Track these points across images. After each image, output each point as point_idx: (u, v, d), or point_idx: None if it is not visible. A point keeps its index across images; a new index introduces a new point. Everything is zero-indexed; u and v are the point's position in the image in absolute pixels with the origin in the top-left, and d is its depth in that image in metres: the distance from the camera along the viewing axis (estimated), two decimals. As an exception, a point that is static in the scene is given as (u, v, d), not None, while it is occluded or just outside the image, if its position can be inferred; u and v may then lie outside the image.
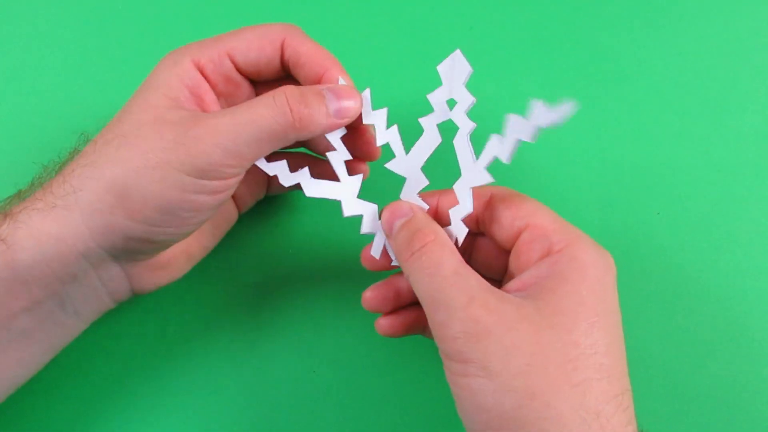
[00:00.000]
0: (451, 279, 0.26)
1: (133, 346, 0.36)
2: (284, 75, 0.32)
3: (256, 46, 0.30)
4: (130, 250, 0.28)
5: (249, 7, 0.41)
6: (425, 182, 0.30)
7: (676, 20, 0.41)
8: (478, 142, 0.29)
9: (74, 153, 0.29)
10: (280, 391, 0.36)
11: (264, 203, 0.37)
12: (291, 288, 0.37)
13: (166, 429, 0.35)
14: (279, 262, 0.37)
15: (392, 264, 0.31)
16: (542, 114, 0.25)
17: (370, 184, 0.32)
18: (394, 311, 0.31)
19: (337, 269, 0.37)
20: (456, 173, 0.29)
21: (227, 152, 0.27)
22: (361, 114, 0.30)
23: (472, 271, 0.27)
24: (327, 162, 0.31)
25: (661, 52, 0.40)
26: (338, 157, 0.31)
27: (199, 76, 0.30)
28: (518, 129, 0.27)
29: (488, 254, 0.31)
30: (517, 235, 0.29)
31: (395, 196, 0.31)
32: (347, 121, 0.30)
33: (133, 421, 0.35)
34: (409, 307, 0.32)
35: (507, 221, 0.29)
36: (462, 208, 0.29)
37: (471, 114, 0.29)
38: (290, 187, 0.31)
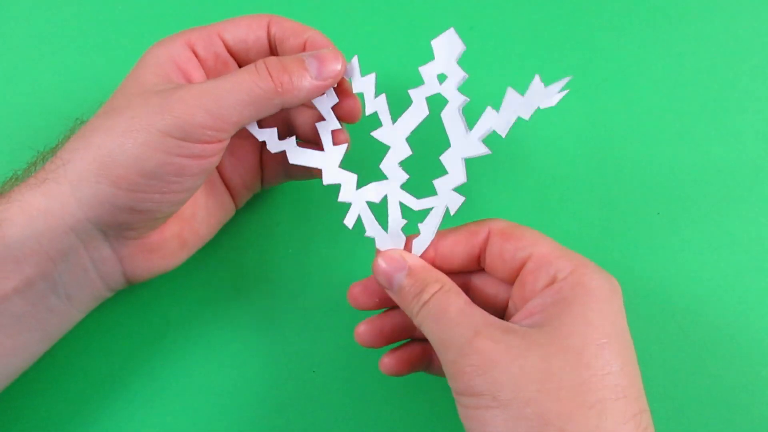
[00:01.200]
0: (457, 318, 0.26)
1: (132, 345, 0.36)
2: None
3: (245, 24, 0.32)
4: (118, 223, 0.29)
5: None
6: (408, 152, 0.30)
7: (676, 20, 0.41)
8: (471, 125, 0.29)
9: (69, 135, 0.30)
10: (280, 391, 0.36)
11: (264, 203, 0.37)
12: (291, 288, 0.37)
13: (166, 429, 0.35)
14: (279, 261, 0.37)
15: (379, 303, 0.31)
16: (540, 92, 0.27)
17: (353, 153, 0.33)
18: (396, 349, 0.32)
19: (337, 269, 0.37)
20: (440, 149, 0.29)
21: (210, 113, 0.27)
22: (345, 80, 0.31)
23: (478, 308, 0.27)
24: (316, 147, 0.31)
25: (661, 52, 0.40)
26: (326, 126, 0.31)
27: (190, 53, 0.31)
28: (516, 105, 0.27)
29: (488, 291, 0.31)
30: (520, 267, 0.28)
31: (375, 166, 0.30)
32: (331, 82, 0.30)
33: (132, 421, 0.35)
34: (411, 344, 0.32)
35: (509, 254, 0.29)
36: (453, 178, 0.29)
37: (468, 107, 0.29)
38: (284, 177, 0.32)
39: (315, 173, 0.32)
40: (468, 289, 0.32)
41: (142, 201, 0.28)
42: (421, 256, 0.30)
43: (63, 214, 0.27)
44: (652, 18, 0.41)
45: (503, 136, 0.28)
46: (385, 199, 0.31)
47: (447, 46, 0.28)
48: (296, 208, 0.38)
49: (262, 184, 0.36)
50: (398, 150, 0.30)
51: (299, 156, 0.31)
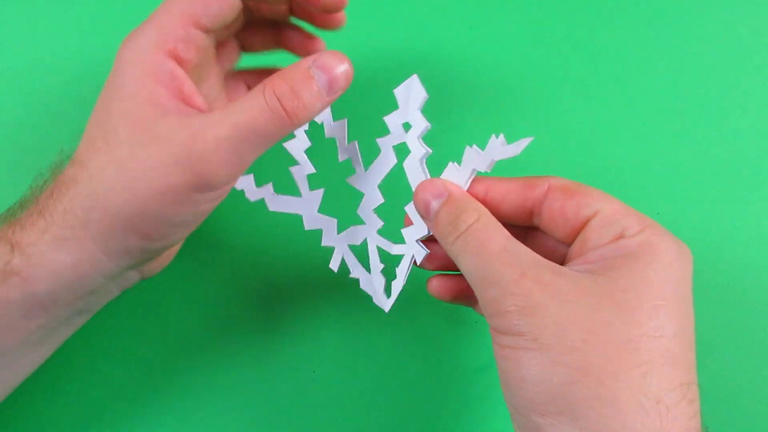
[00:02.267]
0: (501, 255, 0.25)
1: (132, 346, 0.36)
2: (249, 20, 0.31)
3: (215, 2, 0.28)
4: (148, 258, 0.29)
5: None
6: (380, 200, 0.30)
7: (676, 20, 0.41)
8: (473, 141, 0.29)
9: (57, 170, 0.28)
10: (280, 391, 0.36)
11: (264, 203, 0.37)
12: (291, 288, 0.37)
13: (165, 429, 0.35)
14: (279, 261, 0.37)
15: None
16: (497, 149, 0.27)
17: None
18: (448, 275, 0.31)
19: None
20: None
21: (232, 165, 0.27)
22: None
23: (523, 246, 0.26)
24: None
25: (661, 52, 0.40)
26: (301, 171, 0.31)
27: (172, 65, 0.28)
28: (475, 160, 0.27)
29: (543, 251, 0.29)
30: (583, 225, 0.26)
31: (353, 210, 0.31)
32: (340, 93, 0.28)
33: (132, 421, 0.35)
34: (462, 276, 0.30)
35: (572, 211, 0.27)
36: (417, 229, 0.29)
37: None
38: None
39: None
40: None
41: (171, 241, 0.29)
42: (470, 193, 0.28)
43: (93, 266, 0.27)
44: (652, 18, 0.41)
45: (465, 188, 0.28)
46: (365, 241, 0.32)
47: (409, 95, 0.28)
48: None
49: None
50: (371, 198, 0.30)
51: (278, 204, 0.32)
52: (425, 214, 0.28)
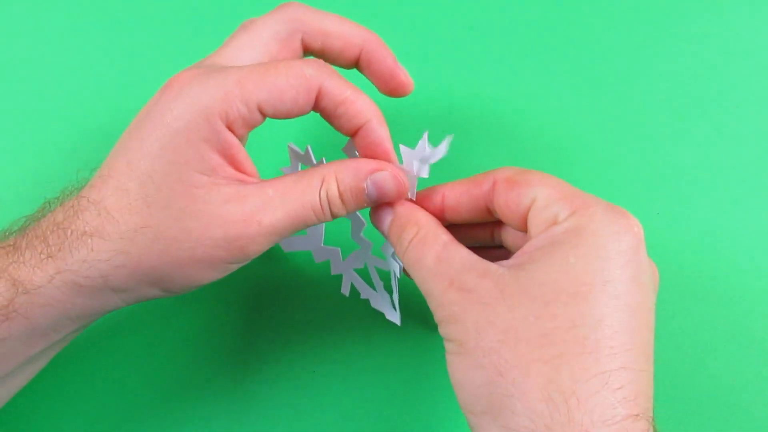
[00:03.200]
0: (432, 268, 0.26)
1: (133, 347, 0.36)
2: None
3: (290, 98, 0.27)
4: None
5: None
6: (363, 223, 0.32)
7: (676, 20, 0.41)
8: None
9: (70, 209, 0.26)
10: (280, 390, 0.36)
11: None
12: (291, 287, 0.37)
13: (166, 429, 0.35)
14: (279, 261, 0.37)
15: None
16: (424, 149, 0.28)
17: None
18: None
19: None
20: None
21: (269, 243, 0.27)
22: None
23: (459, 249, 0.26)
24: None
25: (661, 52, 0.40)
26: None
27: (232, 138, 0.26)
28: (407, 159, 0.29)
29: (510, 242, 0.30)
30: (527, 213, 0.27)
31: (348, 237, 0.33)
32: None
33: (132, 420, 0.35)
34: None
35: (514, 202, 0.27)
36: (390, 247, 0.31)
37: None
38: None
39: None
40: (498, 241, 0.31)
41: (190, 291, 0.28)
42: (429, 207, 0.30)
43: (105, 305, 0.27)
44: (653, 18, 0.41)
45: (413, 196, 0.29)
46: (366, 264, 0.34)
47: (416, 156, 0.29)
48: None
49: None
50: (356, 223, 0.32)
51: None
52: (382, 233, 0.30)
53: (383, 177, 0.28)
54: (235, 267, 0.28)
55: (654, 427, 0.22)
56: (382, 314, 0.34)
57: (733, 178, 0.38)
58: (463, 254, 0.26)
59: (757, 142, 0.39)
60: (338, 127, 0.28)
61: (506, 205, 0.27)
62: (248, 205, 0.26)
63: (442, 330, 0.26)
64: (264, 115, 0.27)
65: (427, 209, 0.29)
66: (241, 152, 0.27)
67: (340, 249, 0.34)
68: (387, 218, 0.29)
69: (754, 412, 0.35)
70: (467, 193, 0.29)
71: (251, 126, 0.27)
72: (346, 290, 0.35)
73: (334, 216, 0.28)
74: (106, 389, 0.36)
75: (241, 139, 0.27)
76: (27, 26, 0.41)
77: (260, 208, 0.26)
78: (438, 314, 0.26)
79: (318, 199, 0.27)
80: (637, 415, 0.22)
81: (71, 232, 0.26)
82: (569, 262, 0.23)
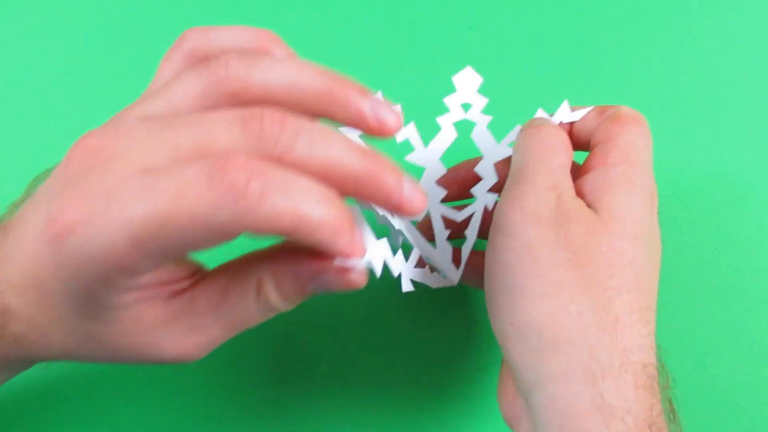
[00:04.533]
0: (553, 161, 0.27)
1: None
2: None
3: None
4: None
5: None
6: (443, 170, 0.32)
7: (676, 20, 0.41)
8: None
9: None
10: (280, 390, 0.36)
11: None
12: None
13: (166, 429, 0.35)
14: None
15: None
16: (566, 112, 0.30)
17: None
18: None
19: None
20: None
21: (218, 344, 0.24)
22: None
23: (570, 165, 0.28)
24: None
25: (662, 52, 0.41)
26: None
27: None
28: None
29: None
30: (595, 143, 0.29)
31: None
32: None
33: (132, 419, 0.35)
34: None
35: (602, 131, 0.29)
36: (487, 181, 0.31)
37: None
38: None
39: None
40: None
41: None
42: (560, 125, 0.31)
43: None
44: (653, 18, 0.41)
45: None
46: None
47: (466, 81, 0.31)
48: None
49: None
50: (433, 170, 0.32)
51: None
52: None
53: (328, 280, 0.23)
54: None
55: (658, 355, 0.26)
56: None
57: (732, 177, 0.38)
58: (569, 169, 0.28)
59: (757, 142, 0.39)
60: None
61: (598, 130, 0.29)
62: (180, 328, 0.23)
63: (515, 224, 0.26)
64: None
65: None
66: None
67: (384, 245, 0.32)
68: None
69: (754, 412, 0.35)
70: (591, 118, 0.30)
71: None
72: (407, 285, 0.30)
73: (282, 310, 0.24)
74: (104, 390, 0.36)
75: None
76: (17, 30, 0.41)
77: (194, 326, 0.23)
78: (526, 204, 0.26)
79: (255, 308, 0.23)
80: (657, 346, 0.25)
81: None
82: (632, 207, 0.26)
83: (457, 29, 0.41)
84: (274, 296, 0.23)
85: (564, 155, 0.28)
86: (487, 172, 0.31)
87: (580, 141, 0.30)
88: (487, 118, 0.32)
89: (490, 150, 0.31)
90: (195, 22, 0.41)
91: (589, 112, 0.30)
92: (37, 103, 0.40)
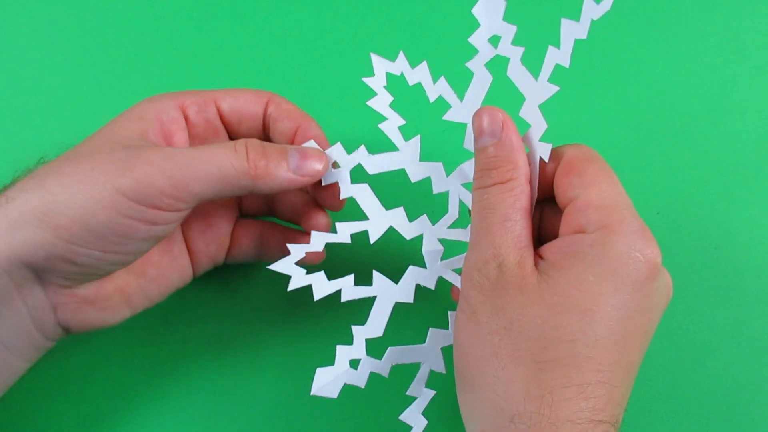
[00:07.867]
0: (498, 226, 0.26)
1: (134, 348, 0.36)
2: (263, 137, 0.32)
3: (244, 98, 0.31)
4: (52, 270, 0.27)
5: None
6: (544, 125, 0.28)
7: (676, 20, 0.41)
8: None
9: (28, 172, 0.28)
10: (280, 390, 0.36)
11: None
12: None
13: (167, 429, 0.35)
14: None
15: None
16: (592, 8, 0.27)
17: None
18: None
19: (337, 268, 0.37)
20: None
21: (171, 180, 0.26)
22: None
23: (522, 225, 0.26)
24: (294, 231, 0.34)
25: (661, 52, 0.41)
26: (391, 125, 0.31)
27: (179, 113, 0.30)
28: (572, 30, 0.27)
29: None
30: (567, 204, 0.27)
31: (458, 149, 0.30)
32: (308, 180, 0.29)
33: (133, 423, 0.35)
34: None
35: (562, 189, 0.27)
36: (537, 127, 0.28)
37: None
38: (253, 256, 0.34)
39: (282, 254, 0.32)
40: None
41: (80, 255, 0.26)
42: None
43: None
44: (653, 18, 0.41)
45: (567, 66, 0.28)
46: None
47: (489, 8, 0.28)
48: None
49: (227, 258, 0.34)
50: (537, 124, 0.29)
51: (376, 164, 0.31)
52: (476, 138, 0.28)
53: (308, 150, 0.30)
54: (131, 220, 0.26)
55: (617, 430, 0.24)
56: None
57: (732, 178, 0.38)
58: (523, 231, 0.26)
59: (757, 142, 0.39)
60: (280, 134, 0.31)
61: (557, 187, 0.28)
62: (158, 146, 0.28)
63: (466, 290, 0.26)
64: (218, 108, 0.31)
65: None
66: (181, 132, 0.30)
67: (442, 163, 0.31)
68: (493, 137, 0.28)
69: (754, 412, 0.35)
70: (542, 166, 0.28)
71: (205, 116, 0.31)
72: (455, 210, 0.31)
73: (254, 169, 0.28)
74: (108, 395, 0.36)
75: (197, 128, 0.31)
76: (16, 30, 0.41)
77: (178, 144, 0.30)
78: (471, 276, 0.26)
79: (233, 144, 0.28)
80: (601, 421, 0.24)
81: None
82: (588, 280, 0.24)
83: (458, 29, 0.41)
84: (255, 142, 0.29)
85: (515, 210, 0.27)
86: (533, 116, 0.28)
87: (546, 180, 0.28)
88: (520, 50, 0.29)
89: (531, 89, 0.28)
90: (195, 21, 0.41)
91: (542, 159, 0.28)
92: (37, 103, 0.40)
